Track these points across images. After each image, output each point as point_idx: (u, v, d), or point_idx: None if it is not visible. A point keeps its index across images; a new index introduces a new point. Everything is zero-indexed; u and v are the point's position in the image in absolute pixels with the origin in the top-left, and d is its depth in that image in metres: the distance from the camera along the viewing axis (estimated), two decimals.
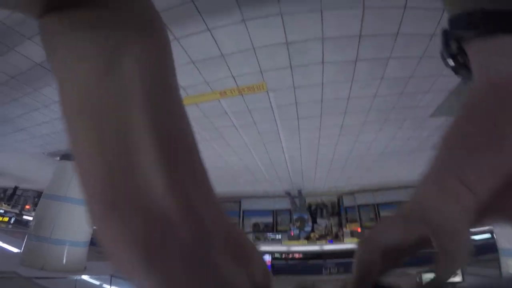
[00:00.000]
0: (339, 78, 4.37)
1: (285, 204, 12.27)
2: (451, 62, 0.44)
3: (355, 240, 12.35)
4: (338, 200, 12.86)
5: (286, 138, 6.57)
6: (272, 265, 12.03)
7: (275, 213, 12.77)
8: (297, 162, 8.27)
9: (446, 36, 0.43)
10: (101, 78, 0.23)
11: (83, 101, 0.23)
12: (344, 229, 12.42)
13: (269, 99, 4.85)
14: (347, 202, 12.66)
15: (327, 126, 5.94)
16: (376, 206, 12.15)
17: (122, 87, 0.23)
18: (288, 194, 11.57)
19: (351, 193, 12.47)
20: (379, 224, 0.36)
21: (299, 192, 11.40)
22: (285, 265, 12.21)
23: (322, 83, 4.45)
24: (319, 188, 11.66)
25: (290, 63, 4.07)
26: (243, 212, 13.04)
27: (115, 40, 0.24)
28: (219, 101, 4.93)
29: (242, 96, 4.75)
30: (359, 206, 12.26)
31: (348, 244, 12.39)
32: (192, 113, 5.38)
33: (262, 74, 4.28)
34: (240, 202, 13.16)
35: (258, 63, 4.07)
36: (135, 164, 0.22)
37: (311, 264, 12.07)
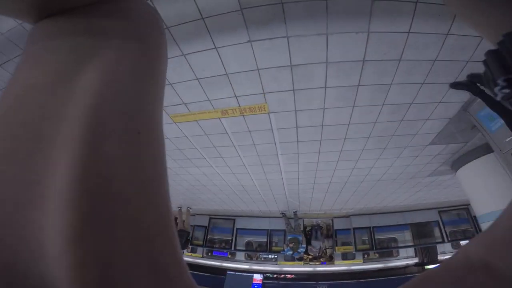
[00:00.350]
0: (341, 103, 4.29)
1: (280, 224, 11.97)
2: (505, 90, 0.35)
3: (347, 262, 12.11)
4: (333, 222, 12.62)
5: (284, 161, 6.44)
6: (263, 284, 11.65)
7: (269, 233, 12.45)
8: (294, 184, 8.10)
9: (501, 57, 0.33)
10: (46, 84, 0.19)
11: (12, 105, 0.19)
12: (335, 252, 12.14)
13: (270, 121, 4.74)
14: (341, 224, 12.41)
15: (327, 151, 5.83)
16: (371, 229, 11.91)
17: (66, 99, 0.18)
18: (283, 214, 11.33)
19: (347, 216, 12.25)
20: (421, 279, 0.29)
21: (295, 213, 11.16)
22: (276, 285, 11.84)
23: (324, 108, 4.37)
24: (315, 210, 11.44)
25: (293, 86, 3.99)
26: (236, 230, 12.71)
27: (87, 49, 0.21)
28: (220, 120, 4.81)
29: (243, 116, 4.64)
30: (354, 229, 11.99)
31: (341, 267, 12.09)
32: (192, 130, 5.26)
33: (264, 96, 4.19)
34: (234, 220, 12.86)
35: (262, 84, 3.99)
36: (33, 206, 0.15)
37: (302, 285, 11.74)
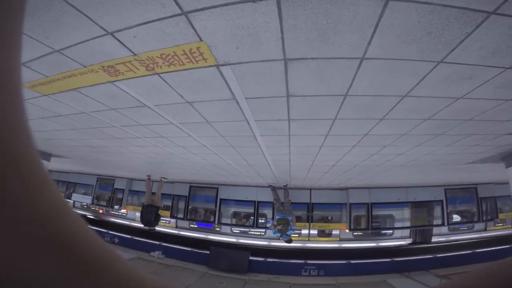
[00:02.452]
0: (415, 50, 1.46)
1: (269, 195, 9.64)
2: None
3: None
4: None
5: (268, 144, 3.75)
6: (250, 261, 9.75)
7: (257, 204, 10.22)
8: (283, 166, 5.52)
9: None
10: None
11: None
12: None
13: (226, 82, 1.94)
14: (336, 198, 10.17)
15: (340, 134, 3.12)
16: (369, 205, 9.73)
17: None
18: (272, 188, 8.95)
19: (345, 189, 9.95)
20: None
21: (285, 187, 8.77)
22: (263, 263, 9.93)
23: (363, 58, 1.54)
24: (309, 184, 9.09)
25: None
26: (220, 201, 10.46)
27: None
28: (115, 85, 2.02)
29: (159, 75, 1.84)
30: (351, 205, 9.78)
31: (332, 244, 10.29)
32: (85, 104, 2.50)
33: (188, 20, 1.35)
34: (217, 189, 10.54)
35: None
36: None
37: (290, 263, 9.86)
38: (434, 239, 10.20)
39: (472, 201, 9.69)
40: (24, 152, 0.17)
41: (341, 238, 10.32)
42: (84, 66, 1.76)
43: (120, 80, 1.90)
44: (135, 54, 1.57)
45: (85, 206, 13.09)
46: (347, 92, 1.93)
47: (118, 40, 1.47)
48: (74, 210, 0.18)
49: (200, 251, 10.22)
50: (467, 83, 1.75)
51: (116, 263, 0.19)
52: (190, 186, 10.78)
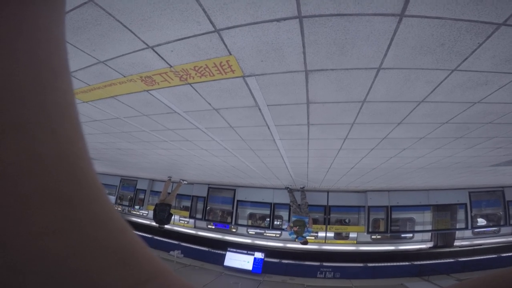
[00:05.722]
0: (423, 60, 1.55)
1: (286, 197, 9.73)
2: None
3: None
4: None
5: (286, 147, 3.88)
6: (265, 262, 9.83)
7: (273, 206, 10.33)
8: (301, 168, 5.62)
9: None
10: None
11: None
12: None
13: (250, 91, 2.10)
14: (354, 201, 10.09)
15: (358, 138, 3.21)
16: (389, 208, 9.60)
17: None
18: (288, 190, 9.03)
19: (363, 191, 9.87)
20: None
21: (302, 189, 8.84)
22: (278, 264, 9.98)
23: (379, 68, 1.65)
24: (326, 187, 9.10)
25: (299, 8, 1.29)
26: (237, 202, 10.64)
27: None
28: (150, 93, 2.22)
29: (191, 85, 2.02)
30: (370, 208, 9.69)
31: (349, 247, 10.18)
32: (119, 109, 2.73)
33: (221, 38, 1.51)
34: (234, 191, 10.74)
35: (204, 10, 1.31)
36: None
37: (306, 265, 9.86)
38: (456, 243, 9.89)
39: (499, 204, 9.37)
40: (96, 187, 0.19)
41: (358, 241, 10.19)
42: (124, 76, 1.96)
43: (155, 89, 2.10)
44: (171, 66, 1.76)
45: None
46: (365, 98, 2.04)
47: (157, 53, 1.66)
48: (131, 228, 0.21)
49: (216, 251, 10.40)
50: (482, 88, 1.82)
51: (170, 276, 0.20)
52: (209, 188, 11.05)
